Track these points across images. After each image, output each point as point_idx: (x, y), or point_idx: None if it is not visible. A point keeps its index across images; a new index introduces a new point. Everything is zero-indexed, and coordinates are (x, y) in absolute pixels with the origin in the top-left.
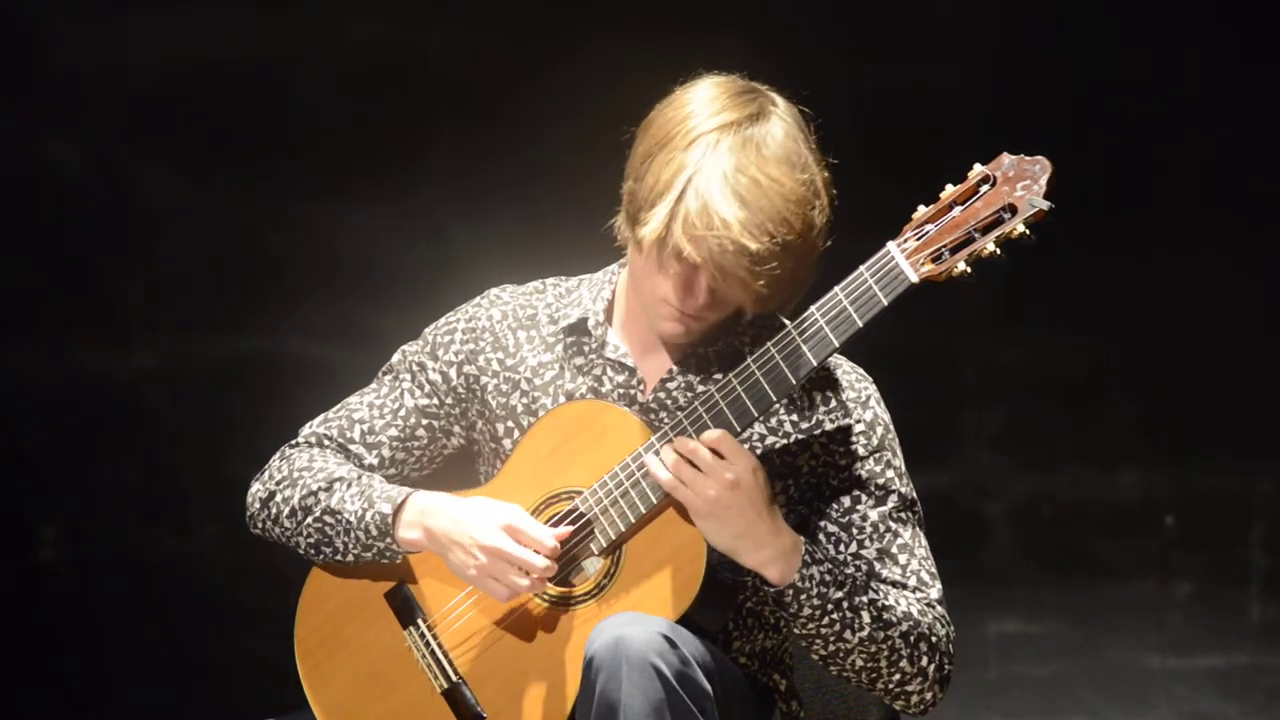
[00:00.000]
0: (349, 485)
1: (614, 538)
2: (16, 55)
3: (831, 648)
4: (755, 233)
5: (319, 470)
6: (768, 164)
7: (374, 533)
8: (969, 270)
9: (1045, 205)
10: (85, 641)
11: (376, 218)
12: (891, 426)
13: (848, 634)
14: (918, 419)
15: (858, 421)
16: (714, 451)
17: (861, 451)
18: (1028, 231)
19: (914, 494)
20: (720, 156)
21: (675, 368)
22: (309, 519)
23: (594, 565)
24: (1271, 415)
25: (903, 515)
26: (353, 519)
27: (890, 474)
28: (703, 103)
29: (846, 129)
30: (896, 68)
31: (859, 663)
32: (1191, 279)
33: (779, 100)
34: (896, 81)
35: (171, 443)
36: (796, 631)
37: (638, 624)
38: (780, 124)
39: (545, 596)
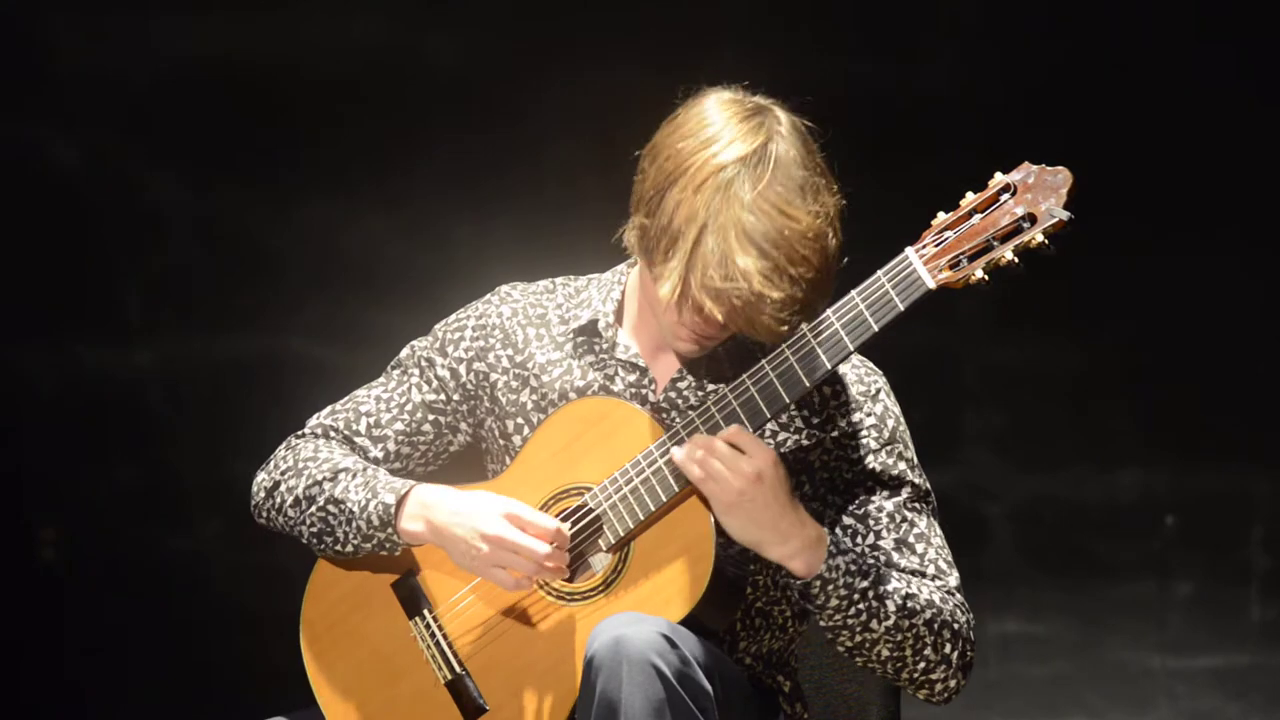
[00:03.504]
0: (354, 475)
1: (622, 534)
2: (16, 55)
3: (858, 638)
4: (775, 280)
5: (324, 460)
6: (781, 201)
7: (376, 523)
8: (986, 278)
9: (1065, 215)
10: (84, 641)
11: (377, 217)
12: (902, 418)
13: (874, 623)
14: (918, 419)
15: (868, 415)
16: (733, 446)
17: (874, 445)
18: (1046, 241)
19: (927, 484)
20: (732, 200)
21: (685, 368)
22: (313, 508)
23: (601, 562)
24: (1271, 415)
25: (917, 505)
26: (355, 509)
27: (903, 465)
28: (709, 134)
29: (854, 131)
30: (886, 66)
31: (885, 652)
32: (1192, 278)
33: (783, 118)
34: (886, 80)
35: (171, 443)
36: (822, 624)
37: (638, 624)
38: (788, 149)
39: (552, 591)
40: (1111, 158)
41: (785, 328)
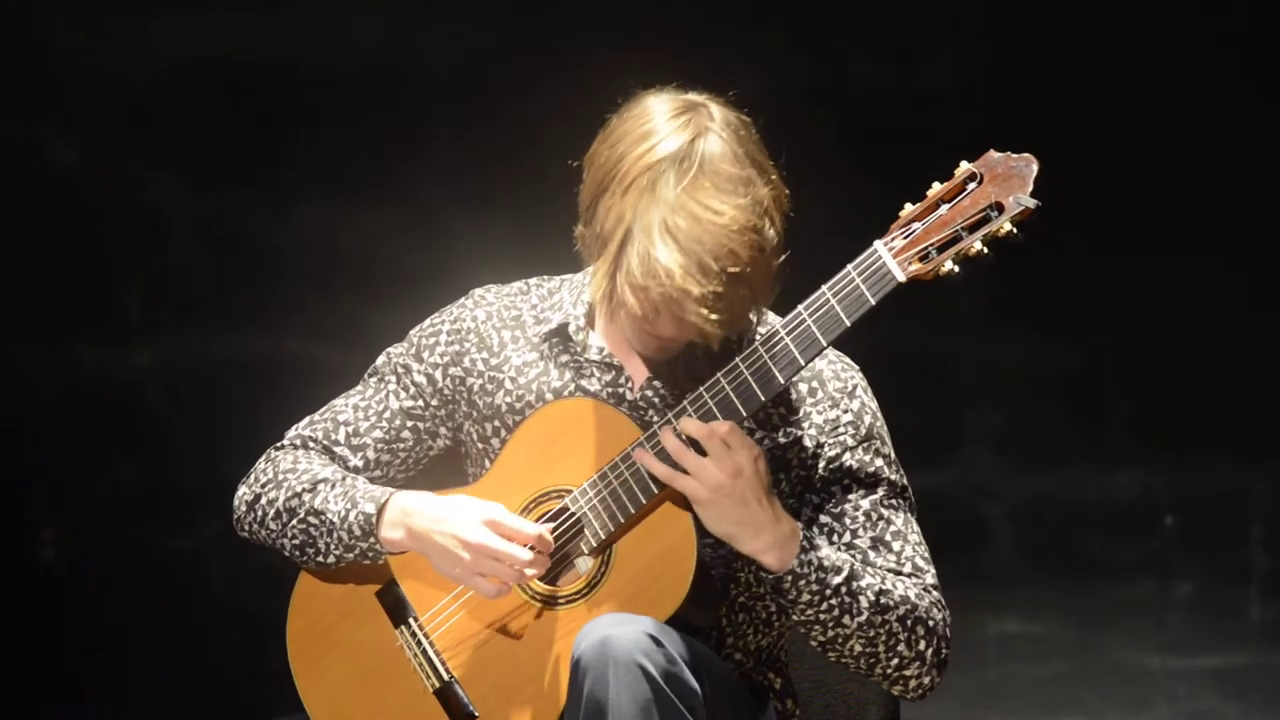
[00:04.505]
0: (333, 486)
1: (604, 537)
2: (17, 55)
3: (830, 633)
4: (699, 276)
5: (303, 472)
6: (706, 195)
7: (357, 533)
8: (956, 269)
9: (1032, 204)
10: (85, 641)
11: (377, 218)
12: (879, 415)
13: (846, 619)
14: (918, 419)
15: (845, 412)
16: (723, 442)
17: (850, 441)
18: (1014, 230)
19: (904, 480)
20: (657, 199)
21: (661, 365)
22: (294, 520)
23: (585, 564)
24: (1271, 415)
25: (893, 502)
26: (336, 519)
27: (880, 462)
28: (636, 137)
29: (837, 128)
30: (886, 66)
31: (857, 648)
32: (1191, 278)
33: (715, 113)
34: (886, 80)
35: (171, 443)
36: (795, 618)
37: (624, 624)
38: (717, 142)
39: (536, 596)
40: (1112, 157)
41: (719, 323)
